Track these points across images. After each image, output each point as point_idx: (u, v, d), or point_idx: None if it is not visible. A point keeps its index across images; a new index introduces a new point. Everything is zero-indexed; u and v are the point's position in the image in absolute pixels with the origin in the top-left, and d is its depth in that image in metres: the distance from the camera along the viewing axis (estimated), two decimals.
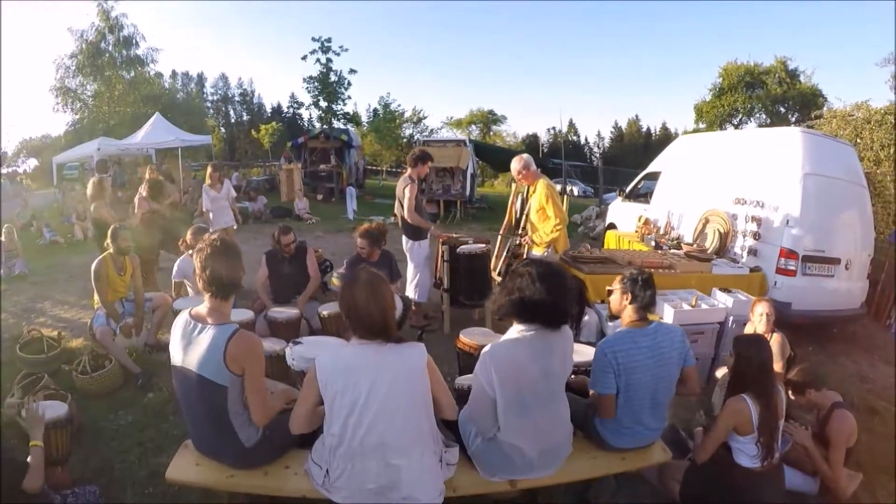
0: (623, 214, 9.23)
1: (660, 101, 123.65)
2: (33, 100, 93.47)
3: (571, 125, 65.88)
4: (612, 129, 68.22)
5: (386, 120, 30.27)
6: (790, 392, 3.36)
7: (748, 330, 4.23)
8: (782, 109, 28.78)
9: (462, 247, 5.35)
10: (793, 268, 5.64)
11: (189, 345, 2.25)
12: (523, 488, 2.48)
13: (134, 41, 27.45)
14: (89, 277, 4.60)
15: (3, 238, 8.05)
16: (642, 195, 8.87)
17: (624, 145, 61.30)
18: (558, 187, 23.82)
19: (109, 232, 4.71)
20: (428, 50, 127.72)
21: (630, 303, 2.75)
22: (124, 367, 4.29)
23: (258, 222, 13.82)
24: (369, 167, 29.95)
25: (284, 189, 17.76)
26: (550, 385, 2.35)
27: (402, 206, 5.40)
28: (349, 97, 19.46)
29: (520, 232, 5.60)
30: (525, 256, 5.41)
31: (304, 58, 18.52)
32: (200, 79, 62.08)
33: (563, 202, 5.81)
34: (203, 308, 2.31)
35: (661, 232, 7.26)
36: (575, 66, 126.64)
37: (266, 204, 15.33)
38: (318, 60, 18.61)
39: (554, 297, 2.27)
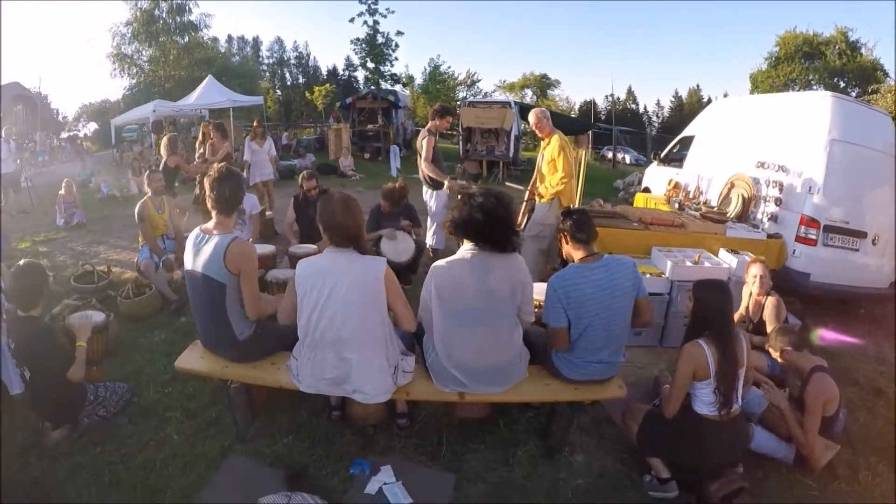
0: (657, 178, 9.19)
1: (721, 71, 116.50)
2: (92, 67, 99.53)
3: (630, 93, 63.98)
4: (672, 99, 65.86)
5: (436, 82, 30.36)
6: (769, 348, 3.48)
7: (744, 291, 4.30)
8: (841, 83, 27.03)
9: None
10: (813, 237, 5.48)
11: (198, 252, 2.76)
12: (472, 402, 2.86)
13: (187, 8, 28.77)
14: None
15: (62, 191, 8.94)
16: (677, 160, 8.85)
17: (684, 115, 58.84)
18: (609, 154, 23.62)
19: (145, 175, 5.34)
20: (482, 11, 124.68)
21: (572, 244, 2.92)
22: (163, 295, 4.95)
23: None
24: (420, 128, 30.33)
25: (332, 148, 18.43)
26: (492, 304, 2.63)
27: (420, 157, 5.75)
28: (396, 59, 19.82)
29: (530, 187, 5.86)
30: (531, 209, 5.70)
31: (351, 20, 18.92)
32: (256, 42, 63.49)
33: (581, 161, 6.01)
34: (210, 223, 2.82)
35: (691, 196, 7.32)
36: (636, 33, 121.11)
37: (314, 162, 16.02)
38: (365, 22, 18.98)
39: (484, 219, 2.56)
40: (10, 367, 3.16)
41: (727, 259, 5.02)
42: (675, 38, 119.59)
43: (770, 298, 4.04)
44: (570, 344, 2.83)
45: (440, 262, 2.69)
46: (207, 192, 2.79)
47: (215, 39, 32.14)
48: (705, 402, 2.72)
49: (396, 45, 19.58)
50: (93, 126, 32.60)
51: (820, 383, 3.08)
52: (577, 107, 50.73)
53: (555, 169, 5.32)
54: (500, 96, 38.90)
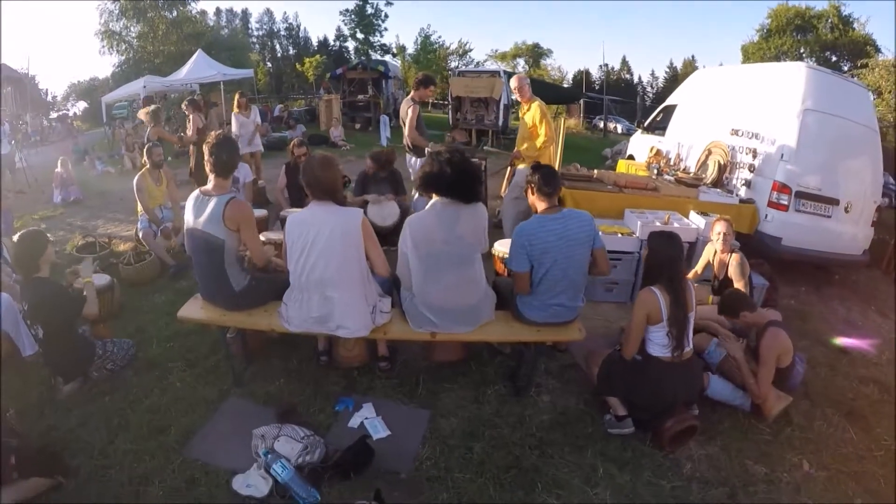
0: (641, 146, 9.42)
1: (717, 41, 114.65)
2: (80, 45, 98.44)
3: (625, 63, 63.66)
4: (667, 69, 65.38)
5: (426, 52, 30.38)
6: (723, 313, 3.61)
7: (708, 248, 4.52)
8: (833, 58, 26.89)
9: None
10: (785, 202, 5.70)
11: (199, 212, 3.06)
12: (444, 342, 3.24)
13: None
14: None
15: (59, 168, 9.13)
16: (661, 128, 9.00)
17: (678, 85, 58.39)
18: (601, 124, 23.75)
19: (145, 150, 5.61)
20: None
21: (537, 195, 3.19)
22: (162, 261, 5.28)
23: None
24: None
25: (323, 118, 18.62)
26: (459, 249, 2.97)
27: (405, 126, 6.01)
28: (386, 29, 19.99)
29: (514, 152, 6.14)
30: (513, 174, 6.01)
31: None
32: (245, 15, 62.71)
33: (560, 127, 6.27)
34: (209, 185, 3.12)
35: (672, 163, 7.56)
36: (632, 2, 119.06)
37: (304, 132, 16.22)
38: None
39: (452, 173, 2.89)
40: (22, 331, 3.51)
41: (696, 221, 5.28)
42: (672, 7, 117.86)
43: (734, 255, 4.24)
44: (532, 287, 3.15)
45: (414, 215, 3.03)
46: (206, 157, 3.10)
47: (204, 13, 31.80)
48: (659, 345, 2.98)
49: (386, 16, 19.74)
50: (82, 105, 32.26)
51: (774, 336, 3.27)
52: (570, 76, 50.50)
53: (537, 134, 5.63)
54: (491, 66, 38.81)
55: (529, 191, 3.25)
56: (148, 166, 5.60)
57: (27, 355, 3.55)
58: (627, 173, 6.97)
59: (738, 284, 4.12)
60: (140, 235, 5.40)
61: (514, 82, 5.85)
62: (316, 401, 3.25)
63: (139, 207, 5.60)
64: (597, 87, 44.32)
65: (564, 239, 3.07)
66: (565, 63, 73.44)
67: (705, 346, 3.68)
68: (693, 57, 64.49)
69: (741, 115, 6.47)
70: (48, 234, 3.56)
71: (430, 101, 34.03)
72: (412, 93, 6.08)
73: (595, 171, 6.55)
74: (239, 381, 3.40)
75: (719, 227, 4.35)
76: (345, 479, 2.61)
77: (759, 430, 3.24)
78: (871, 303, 5.94)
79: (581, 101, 24.93)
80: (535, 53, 42.41)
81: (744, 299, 3.57)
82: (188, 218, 3.13)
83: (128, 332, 4.01)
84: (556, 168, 6.24)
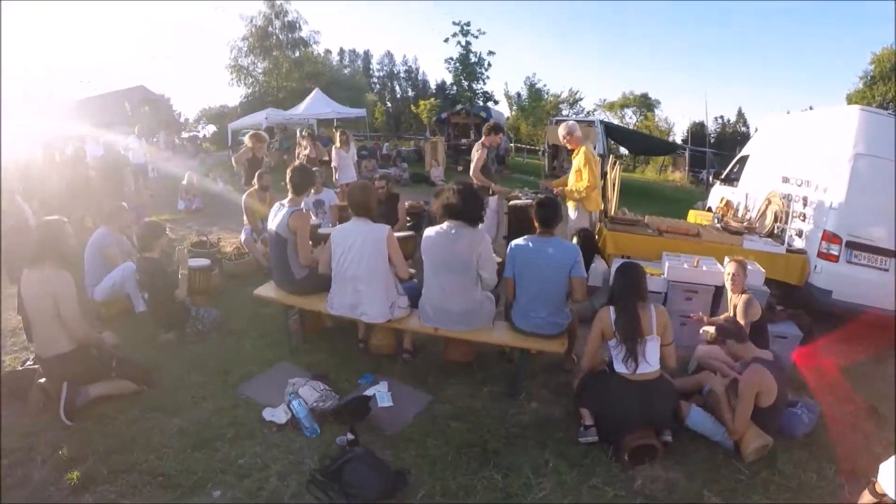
0: (717, 198, 9.47)
1: (839, 90, 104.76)
2: (212, 76, 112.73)
3: (740, 115, 61.00)
4: None
5: (532, 100, 31.46)
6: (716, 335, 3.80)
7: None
8: None
9: (514, 201, 6.78)
10: (835, 253, 5.53)
11: (275, 217, 4.25)
12: (442, 335, 4.01)
13: (297, 25, 32.78)
14: None
15: (185, 181, 11.08)
16: (736, 179, 8.70)
17: None
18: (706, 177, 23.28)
19: (257, 175, 7.04)
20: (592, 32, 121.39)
21: (537, 223, 3.92)
22: (258, 262, 6.57)
23: (397, 185, 16.12)
24: (525, 146, 31.47)
25: (428, 159, 20.10)
26: (457, 261, 3.75)
27: (471, 167, 6.87)
28: (488, 77, 21.31)
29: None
30: None
31: (445, 40, 20.84)
32: (367, 56, 67.94)
33: (617, 176, 6.90)
34: (286, 200, 4.31)
35: (740, 214, 7.61)
36: (747, 54, 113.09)
37: (406, 169, 17.93)
38: (458, 43, 20.72)
39: (459, 202, 3.74)
40: (137, 293, 4.83)
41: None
42: (791, 58, 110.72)
43: (743, 296, 4.32)
44: (516, 295, 3.92)
45: (429, 229, 3.92)
46: (287, 180, 4.33)
47: (328, 52, 35.57)
48: (617, 359, 3.37)
49: (489, 65, 21.01)
50: (211, 128, 36.68)
51: (753, 373, 3.29)
52: (683, 128, 49.28)
53: (581, 178, 6.15)
54: (600, 115, 39.08)
55: (534, 218, 3.98)
56: (256, 187, 6.97)
57: (139, 311, 4.84)
58: (672, 219, 7.21)
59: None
60: (242, 240, 6.79)
61: (561, 130, 6.33)
62: (345, 373, 4.18)
63: (245, 219, 6.94)
64: (713, 140, 43.15)
65: (545, 259, 3.81)
66: (684, 114, 71.53)
67: (706, 383, 3.77)
68: (811, 108, 60.79)
69: (795, 162, 6.47)
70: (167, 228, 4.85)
71: (542, 149, 35.03)
72: (483, 138, 6.95)
73: (646, 217, 6.93)
74: (293, 352, 4.47)
75: (729, 268, 4.49)
76: (342, 424, 3.43)
77: (735, 469, 3.23)
78: None
79: (686, 154, 24.80)
80: (644, 104, 42.35)
81: (731, 327, 3.63)
82: (269, 221, 4.33)
83: (219, 307, 5.17)
84: (611, 212, 6.82)
